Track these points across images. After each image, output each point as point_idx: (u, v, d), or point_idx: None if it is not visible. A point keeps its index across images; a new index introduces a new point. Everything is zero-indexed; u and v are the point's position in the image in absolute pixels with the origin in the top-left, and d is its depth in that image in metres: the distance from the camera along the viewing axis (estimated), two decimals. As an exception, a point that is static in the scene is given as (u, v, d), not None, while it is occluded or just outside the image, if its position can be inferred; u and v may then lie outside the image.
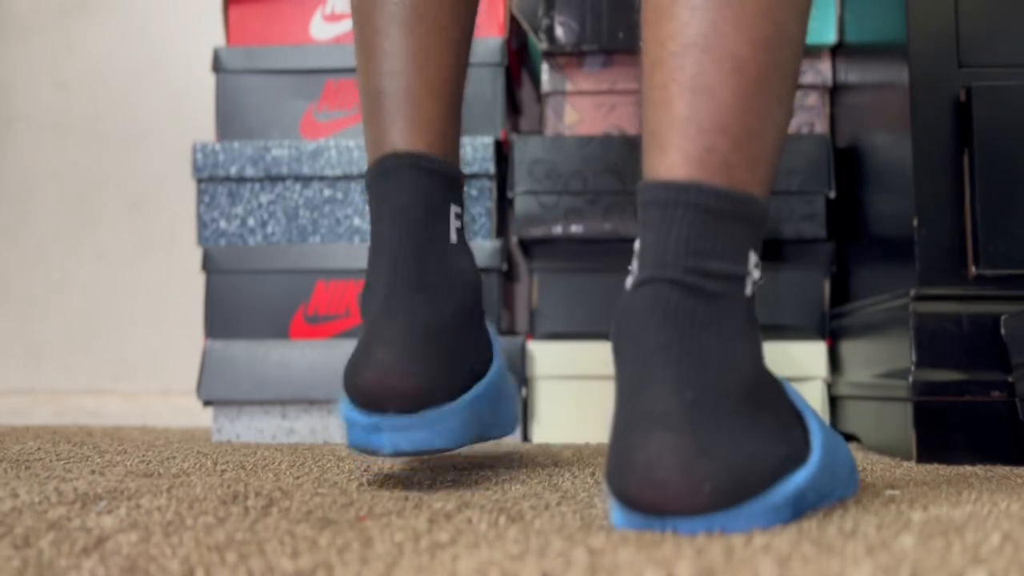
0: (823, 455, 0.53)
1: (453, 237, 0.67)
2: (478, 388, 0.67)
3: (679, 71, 0.52)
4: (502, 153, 1.18)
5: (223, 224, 1.15)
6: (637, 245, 0.52)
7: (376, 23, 0.68)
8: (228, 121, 1.18)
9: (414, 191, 0.65)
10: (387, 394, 0.61)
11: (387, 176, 0.66)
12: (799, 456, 0.51)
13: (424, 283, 0.64)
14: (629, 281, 0.52)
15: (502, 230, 1.19)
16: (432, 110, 0.68)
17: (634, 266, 0.52)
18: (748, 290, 0.52)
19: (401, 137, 0.66)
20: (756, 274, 0.52)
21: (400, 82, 0.67)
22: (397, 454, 0.62)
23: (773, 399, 0.53)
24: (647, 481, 0.46)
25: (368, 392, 0.62)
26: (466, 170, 1.12)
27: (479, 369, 0.69)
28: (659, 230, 0.51)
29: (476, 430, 0.67)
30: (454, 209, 0.68)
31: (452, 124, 0.69)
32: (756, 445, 0.48)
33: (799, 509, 0.50)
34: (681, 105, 0.52)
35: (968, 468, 0.78)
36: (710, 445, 0.47)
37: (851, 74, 1.11)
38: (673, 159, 0.52)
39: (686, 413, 0.47)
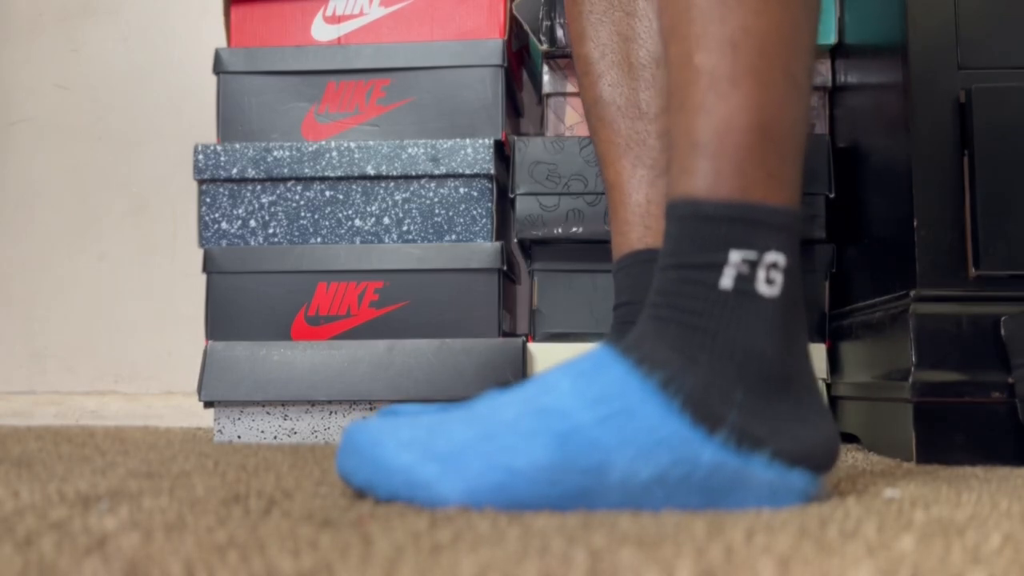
0: None
1: None
2: None
3: None
4: (503, 154, 1.18)
5: (224, 225, 1.15)
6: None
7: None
8: (229, 122, 1.18)
9: None
10: None
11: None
12: None
13: None
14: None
15: (503, 231, 1.19)
16: None
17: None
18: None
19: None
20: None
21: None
22: None
23: None
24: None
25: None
26: (467, 171, 1.13)
27: None
28: None
29: None
30: None
31: None
32: None
33: None
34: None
35: (968, 469, 0.78)
36: None
37: (851, 75, 1.12)
38: None
39: None
